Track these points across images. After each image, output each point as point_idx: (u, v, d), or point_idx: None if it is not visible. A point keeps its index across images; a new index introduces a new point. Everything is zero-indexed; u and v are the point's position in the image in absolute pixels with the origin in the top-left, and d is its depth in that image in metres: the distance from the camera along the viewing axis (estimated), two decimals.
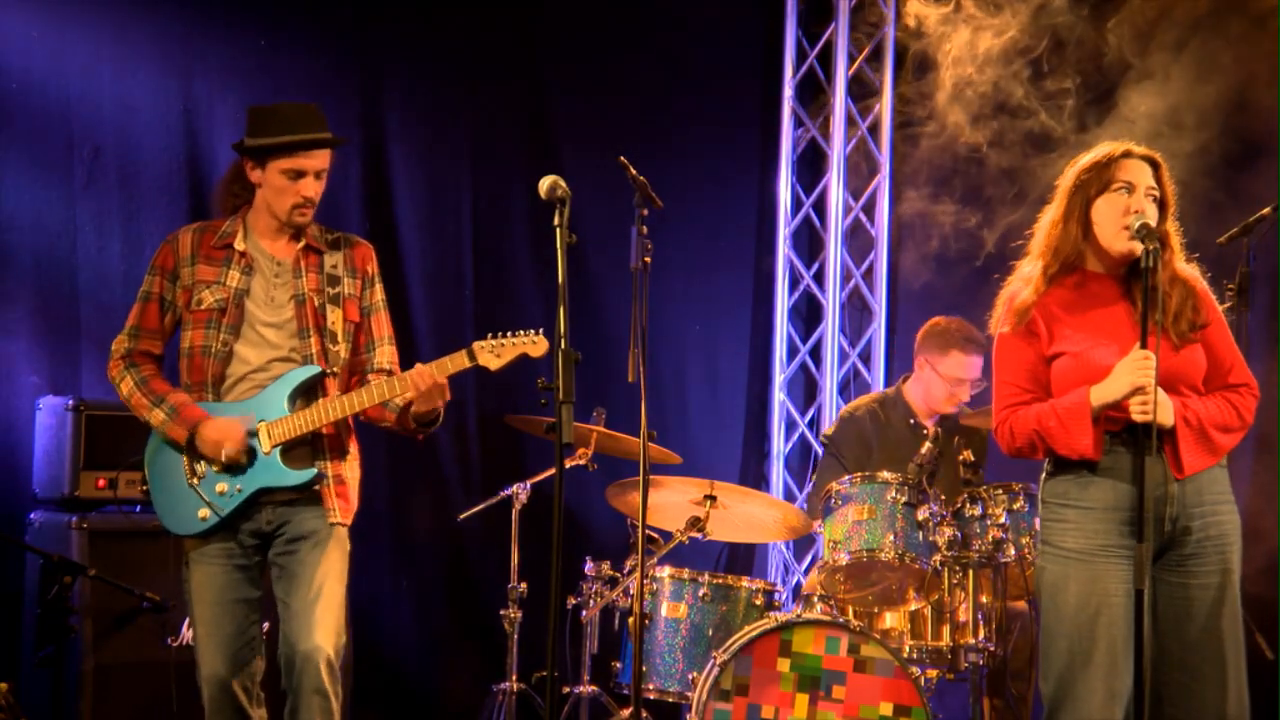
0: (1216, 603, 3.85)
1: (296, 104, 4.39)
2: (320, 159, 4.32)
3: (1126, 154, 3.92)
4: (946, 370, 5.89)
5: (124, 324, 4.40)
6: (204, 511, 4.24)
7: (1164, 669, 3.85)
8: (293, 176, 4.29)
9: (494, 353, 4.29)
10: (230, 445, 4.20)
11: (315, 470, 4.28)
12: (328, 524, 4.31)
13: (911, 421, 6.01)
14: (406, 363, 4.48)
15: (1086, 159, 3.97)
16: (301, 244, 4.39)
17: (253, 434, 4.25)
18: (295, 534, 4.30)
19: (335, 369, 4.33)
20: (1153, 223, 3.83)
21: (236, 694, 4.28)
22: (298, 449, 4.29)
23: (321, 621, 4.22)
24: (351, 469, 4.43)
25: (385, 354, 4.48)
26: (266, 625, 4.54)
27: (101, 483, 5.29)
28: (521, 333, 4.33)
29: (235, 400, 4.30)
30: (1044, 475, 4.01)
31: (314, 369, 4.30)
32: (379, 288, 4.50)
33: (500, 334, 4.33)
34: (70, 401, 5.31)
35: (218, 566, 4.29)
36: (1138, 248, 3.81)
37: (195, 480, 4.27)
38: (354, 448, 4.45)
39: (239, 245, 4.35)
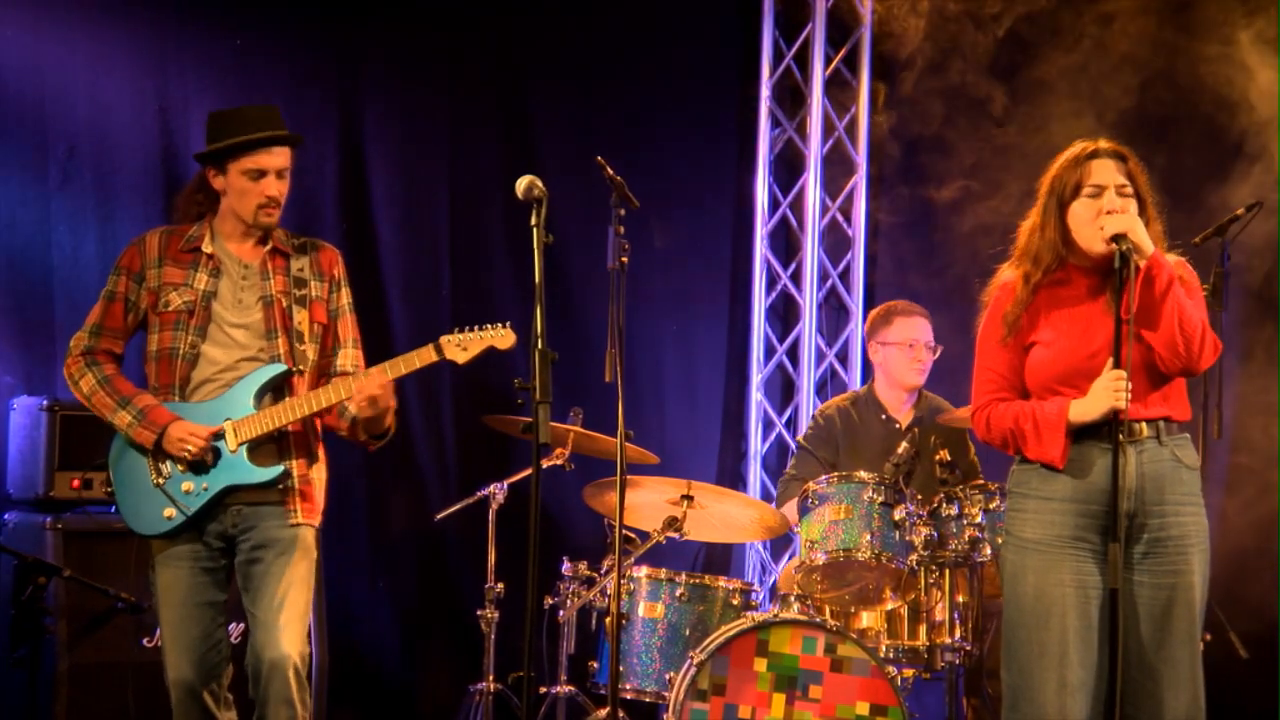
0: (1170, 603, 3.86)
1: (255, 106, 4.37)
2: (280, 156, 4.30)
3: (1093, 154, 3.92)
4: (895, 338, 5.96)
5: (83, 322, 4.36)
6: (169, 511, 4.22)
7: (1122, 667, 3.86)
8: (254, 176, 4.27)
9: (460, 346, 4.28)
10: (195, 442, 4.18)
11: (282, 468, 4.26)
12: (291, 527, 4.28)
13: (884, 417, 6.03)
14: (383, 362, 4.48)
15: (1058, 161, 3.99)
16: (269, 247, 4.37)
17: (218, 434, 4.23)
18: (260, 540, 4.27)
19: (302, 368, 4.31)
20: (1132, 219, 3.82)
21: (204, 698, 4.26)
22: (264, 447, 4.27)
23: (286, 630, 4.20)
24: (318, 471, 4.40)
25: (350, 356, 4.45)
26: (240, 628, 4.53)
27: (76, 483, 5.27)
28: (489, 325, 4.32)
29: (202, 400, 4.27)
30: (1013, 465, 4.05)
31: (280, 367, 4.28)
32: (346, 291, 4.49)
33: (467, 327, 4.32)
34: (45, 402, 5.29)
35: (184, 569, 4.27)
36: (1113, 248, 3.81)
37: (160, 480, 4.25)
38: (321, 450, 4.43)
39: (206, 248, 4.33)
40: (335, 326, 4.44)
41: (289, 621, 4.21)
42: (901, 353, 5.95)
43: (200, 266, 4.31)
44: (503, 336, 4.31)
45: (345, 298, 4.49)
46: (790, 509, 5.69)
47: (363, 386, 4.21)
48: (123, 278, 4.33)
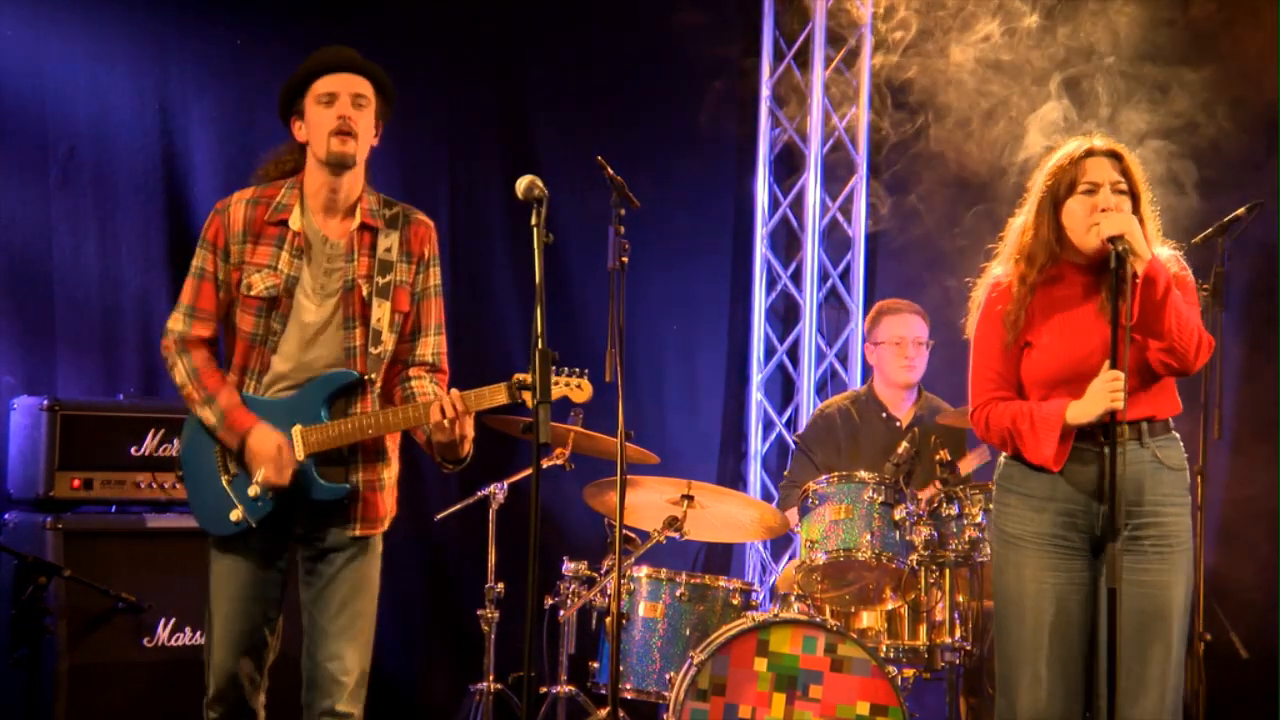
0: (1145, 601, 3.87)
1: (332, 46, 4.17)
2: (355, 83, 4.07)
3: (1088, 153, 3.92)
4: (885, 336, 6.03)
5: (178, 300, 4.15)
6: (236, 514, 4.06)
7: (1097, 664, 3.88)
8: (326, 101, 4.05)
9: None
10: (270, 474, 4.01)
11: (348, 486, 4.11)
12: (362, 537, 4.16)
13: (884, 415, 6.05)
14: None
15: (1051, 161, 3.99)
16: (357, 222, 4.14)
17: (288, 437, 4.06)
18: (329, 544, 4.13)
19: (374, 375, 4.13)
20: (1129, 219, 3.82)
21: (243, 685, 4.15)
22: (333, 459, 4.11)
23: (351, 642, 4.10)
24: (389, 471, 4.25)
25: (430, 345, 4.24)
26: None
27: (76, 483, 5.27)
28: (566, 373, 4.13)
29: (274, 397, 4.10)
30: (1000, 458, 4.08)
31: (351, 375, 4.10)
32: (434, 271, 4.22)
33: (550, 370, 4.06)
34: (45, 401, 5.29)
35: (242, 563, 4.12)
36: (1108, 245, 3.81)
37: (227, 478, 4.10)
38: (392, 446, 4.27)
39: (294, 224, 4.09)
40: (417, 310, 4.22)
41: (353, 633, 4.11)
42: (890, 351, 6.02)
43: (286, 245, 4.08)
44: (580, 389, 4.13)
45: (433, 278, 4.22)
46: (792, 515, 5.69)
47: (434, 413, 4.02)
48: (209, 254, 4.10)
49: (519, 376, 3.99)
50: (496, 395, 4.05)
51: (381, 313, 4.12)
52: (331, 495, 4.09)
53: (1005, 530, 3.99)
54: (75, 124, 5.85)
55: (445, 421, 4.02)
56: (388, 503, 4.25)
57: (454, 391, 4.05)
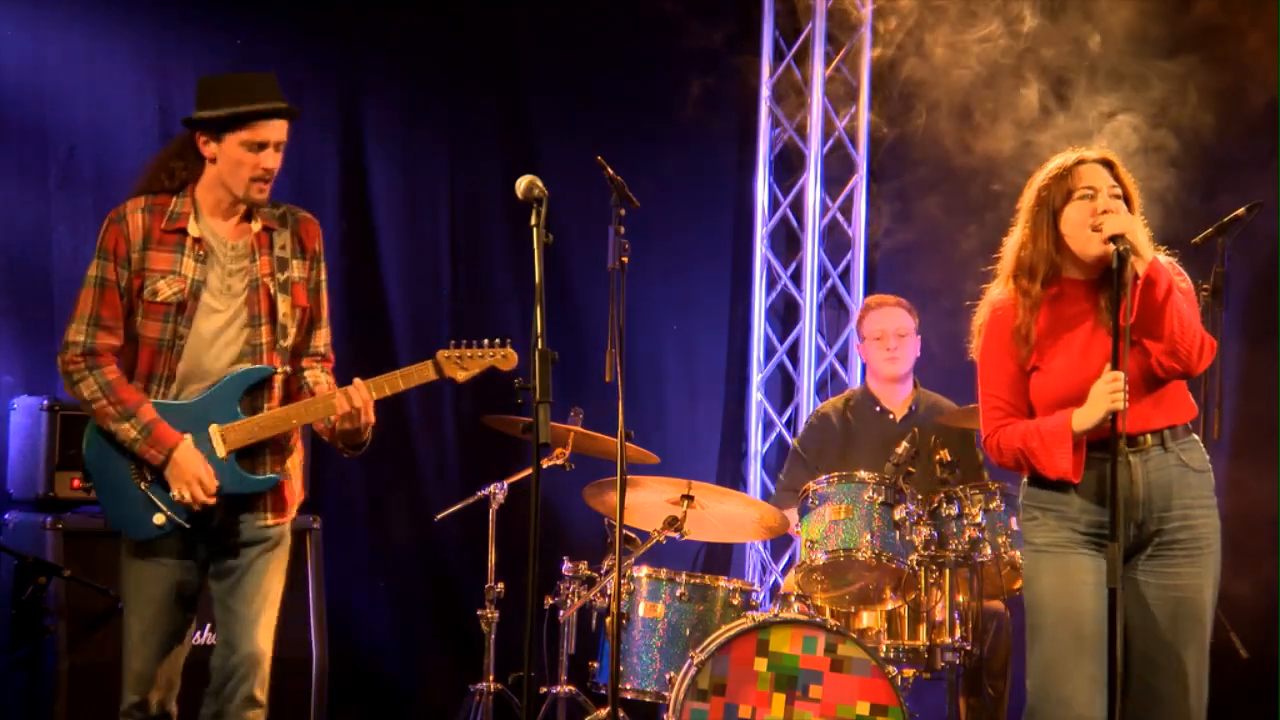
0: (1179, 604, 3.87)
1: (252, 73, 4.20)
2: (280, 130, 4.14)
3: (1080, 161, 3.92)
4: (868, 332, 6.12)
5: (74, 311, 4.11)
6: (160, 517, 4.08)
7: (1129, 666, 3.87)
8: (253, 149, 4.10)
9: (460, 364, 4.19)
10: (196, 494, 4.05)
11: (275, 476, 4.17)
12: (274, 526, 4.20)
13: (878, 410, 6.08)
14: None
15: (1042, 175, 3.98)
16: (256, 225, 4.20)
17: (205, 440, 4.10)
18: (244, 538, 4.16)
19: (285, 368, 4.19)
20: (1130, 220, 3.82)
21: (162, 690, 4.15)
22: (253, 452, 4.16)
23: (266, 628, 4.14)
24: (295, 461, 4.29)
25: (323, 336, 4.33)
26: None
27: (76, 483, 5.27)
28: (490, 345, 4.23)
29: (187, 400, 4.12)
30: (1023, 480, 4.06)
31: (265, 370, 4.15)
32: (323, 265, 4.32)
33: (468, 343, 4.25)
34: (45, 401, 5.29)
35: (163, 565, 4.13)
36: (1110, 248, 3.81)
37: (144, 484, 4.10)
38: (297, 440, 4.31)
39: (193, 230, 4.12)
40: (315, 304, 4.30)
41: (268, 620, 4.15)
42: (874, 345, 6.10)
43: (187, 251, 4.11)
44: (505, 358, 4.22)
45: (323, 272, 4.32)
46: (791, 515, 5.70)
47: (341, 403, 4.10)
48: (110, 263, 4.10)
49: (443, 352, 4.14)
50: (424, 372, 4.14)
51: (285, 308, 4.18)
52: (263, 487, 4.16)
53: (1035, 541, 3.96)
54: (75, 124, 5.85)
55: (353, 409, 4.10)
56: (297, 491, 4.31)
57: (357, 380, 4.13)
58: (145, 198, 4.16)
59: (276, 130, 4.13)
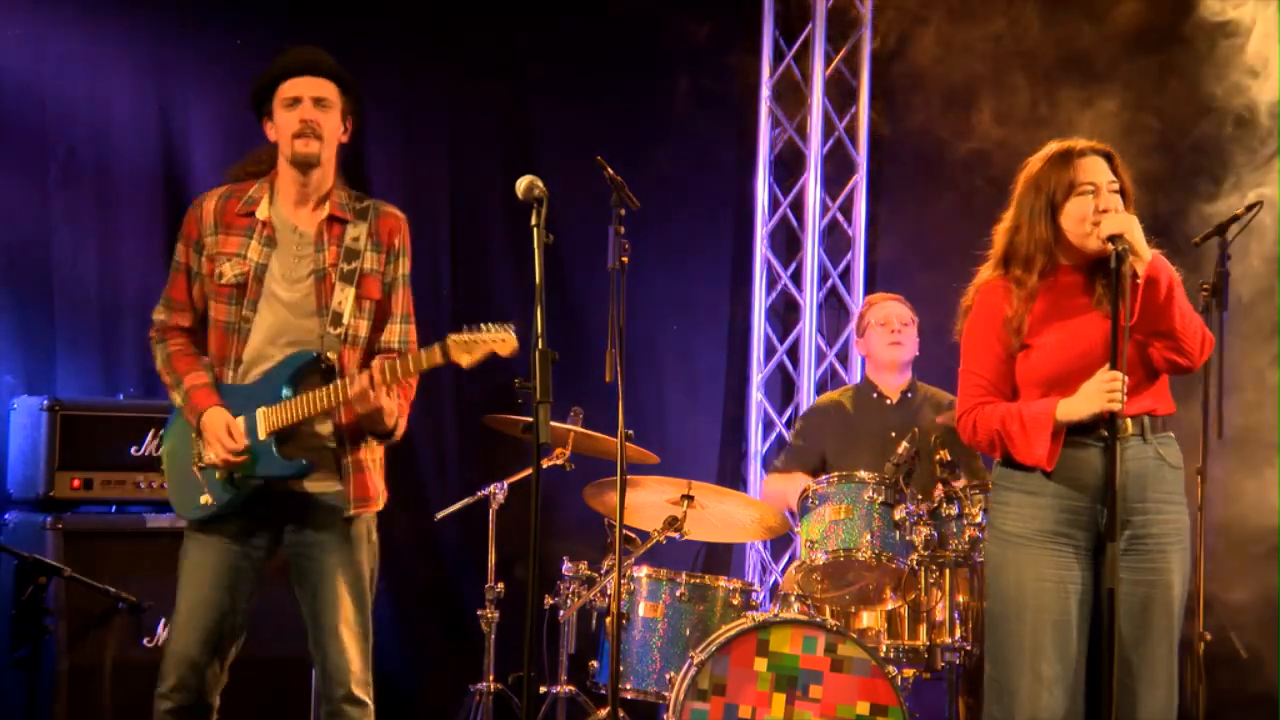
0: (1149, 600, 3.88)
1: (299, 46, 4.24)
2: (317, 85, 4.16)
3: (1080, 152, 3.92)
4: (872, 319, 6.12)
5: (161, 291, 4.28)
6: (206, 497, 4.13)
7: (1104, 664, 3.88)
8: (289, 105, 4.15)
9: (466, 349, 4.14)
10: (216, 451, 4.09)
11: (303, 461, 4.14)
12: (342, 519, 4.17)
13: (875, 395, 6.07)
14: None
15: (1039, 162, 3.98)
16: (326, 213, 4.23)
17: (253, 422, 4.12)
18: (310, 534, 4.16)
19: (331, 354, 4.16)
20: (1129, 219, 3.82)
21: (203, 677, 4.14)
22: (295, 438, 4.15)
23: (348, 633, 4.14)
24: (371, 452, 4.26)
25: (396, 331, 4.31)
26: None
27: (77, 483, 5.27)
28: (493, 327, 4.18)
29: (250, 383, 4.16)
30: (996, 459, 4.06)
31: (308, 355, 4.15)
32: (404, 261, 4.33)
33: (473, 326, 4.23)
34: (45, 401, 5.29)
35: (214, 551, 4.14)
36: (1109, 247, 3.81)
37: (200, 464, 4.15)
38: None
39: (262, 214, 4.18)
40: (388, 299, 4.30)
41: (342, 627, 4.13)
42: (878, 331, 6.08)
43: (255, 234, 4.17)
44: (504, 342, 4.16)
45: (402, 268, 4.32)
46: (776, 482, 5.71)
47: (342, 390, 4.08)
48: (183, 246, 4.22)
49: (454, 336, 4.08)
50: (433, 356, 4.11)
51: (343, 297, 4.19)
52: (289, 471, 4.14)
53: (1005, 529, 3.96)
54: (75, 124, 5.85)
55: (368, 391, 4.07)
56: (375, 482, 4.28)
57: (375, 361, 4.14)
58: (228, 185, 4.27)
59: (307, 86, 4.16)
